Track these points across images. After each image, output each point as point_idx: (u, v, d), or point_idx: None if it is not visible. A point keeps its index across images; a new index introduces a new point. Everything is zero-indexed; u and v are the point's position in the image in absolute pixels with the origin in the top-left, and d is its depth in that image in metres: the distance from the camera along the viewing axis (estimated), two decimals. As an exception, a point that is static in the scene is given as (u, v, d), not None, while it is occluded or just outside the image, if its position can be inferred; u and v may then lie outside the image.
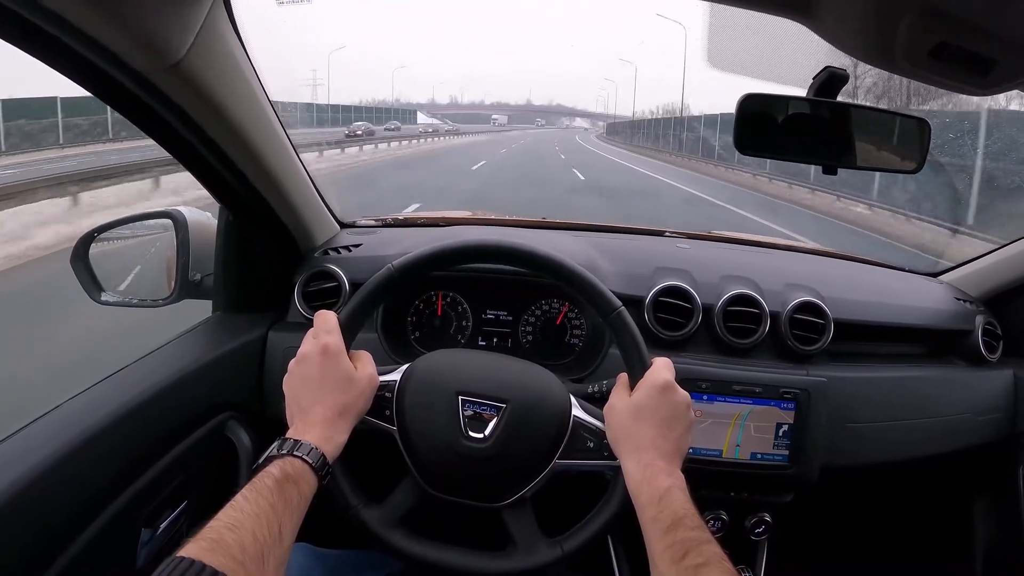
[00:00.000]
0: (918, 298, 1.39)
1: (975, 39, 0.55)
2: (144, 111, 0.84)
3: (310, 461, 0.74)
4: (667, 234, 1.54)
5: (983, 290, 1.43)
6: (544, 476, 0.88)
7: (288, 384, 0.84)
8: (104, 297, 1.21)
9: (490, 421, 0.87)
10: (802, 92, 0.84)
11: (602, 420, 0.87)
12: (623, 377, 0.88)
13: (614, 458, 0.84)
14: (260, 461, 0.74)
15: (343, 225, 1.41)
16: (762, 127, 0.88)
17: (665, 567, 0.68)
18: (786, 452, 1.12)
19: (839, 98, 0.84)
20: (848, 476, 1.27)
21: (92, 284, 1.21)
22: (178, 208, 1.22)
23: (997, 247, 1.46)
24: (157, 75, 0.77)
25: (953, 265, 1.54)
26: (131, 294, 1.25)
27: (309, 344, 0.84)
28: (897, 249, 8.88)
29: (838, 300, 1.24)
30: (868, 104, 1.06)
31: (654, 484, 0.76)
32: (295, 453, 0.74)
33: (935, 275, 1.54)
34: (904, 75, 0.67)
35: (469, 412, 0.87)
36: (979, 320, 1.34)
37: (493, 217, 1.63)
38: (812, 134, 0.89)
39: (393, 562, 0.96)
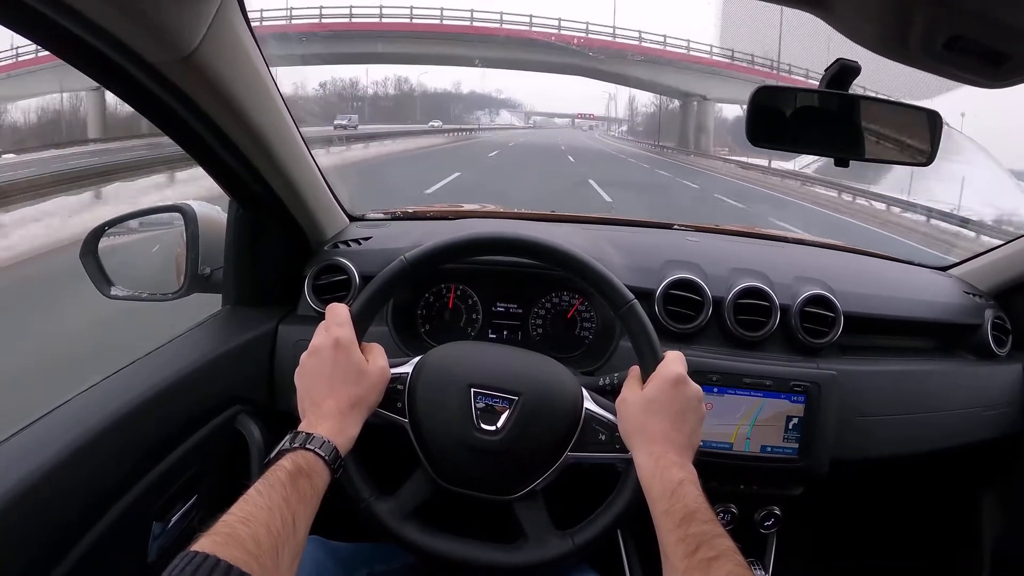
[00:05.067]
0: (927, 292, 1.39)
1: (990, 32, 0.55)
2: (155, 104, 0.84)
3: (322, 454, 0.74)
4: (676, 227, 1.54)
5: (992, 284, 1.42)
6: (556, 469, 0.88)
7: (299, 377, 0.84)
8: (114, 291, 1.21)
9: (502, 413, 0.87)
10: (814, 84, 0.85)
11: (614, 413, 0.87)
12: (635, 370, 0.88)
13: (626, 451, 0.84)
14: (272, 455, 0.74)
15: (352, 218, 1.41)
16: (775, 119, 0.89)
17: (677, 560, 0.68)
18: (796, 445, 1.12)
19: (851, 90, 0.84)
20: (857, 469, 1.27)
21: (102, 278, 1.20)
22: (187, 202, 1.22)
23: (1006, 241, 1.46)
24: (169, 67, 0.77)
25: (962, 259, 1.53)
26: (141, 287, 1.25)
27: (320, 337, 0.84)
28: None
29: (848, 293, 1.24)
30: (879, 96, 1.06)
31: (666, 477, 0.76)
32: (307, 446, 0.74)
33: (944, 269, 1.53)
34: (917, 67, 0.67)
35: (481, 404, 0.87)
36: (988, 314, 1.34)
37: (503, 210, 1.63)
38: (824, 126, 0.90)
39: (405, 555, 0.96)
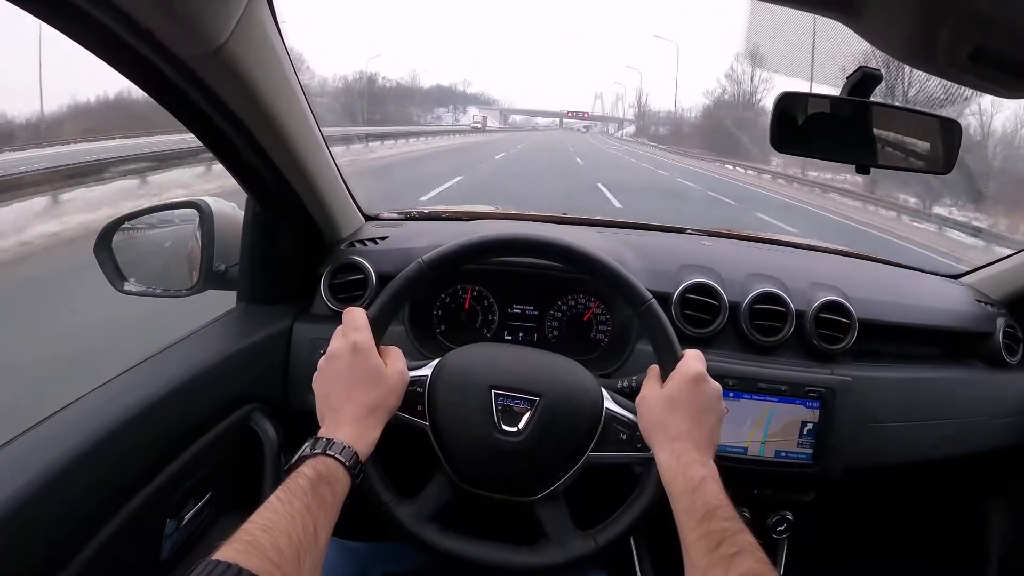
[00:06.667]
0: (940, 300, 1.39)
1: (1016, 43, 0.55)
2: (180, 98, 0.84)
3: (343, 460, 0.74)
4: (690, 231, 1.54)
5: (1004, 293, 1.43)
6: (577, 469, 0.87)
7: (318, 382, 0.84)
8: (127, 287, 1.20)
9: (523, 415, 0.87)
10: (836, 91, 0.85)
11: (634, 412, 0.87)
12: (654, 369, 0.88)
13: (647, 450, 0.84)
14: (293, 461, 0.74)
15: (368, 217, 1.41)
16: (797, 126, 0.89)
17: (699, 557, 0.69)
18: (810, 451, 1.12)
19: (872, 98, 0.84)
20: (870, 475, 1.27)
21: (115, 273, 1.20)
22: (203, 198, 1.22)
23: (1018, 250, 1.46)
24: (197, 60, 0.77)
25: (975, 267, 1.54)
26: (155, 283, 1.25)
27: (338, 341, 0.84)
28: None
29: (862, 300, 1.24)
30: (900, 104, 1.07)
31: (688, 475, 0.76)
32: (328, 452, 0.74)
33: (956, 277, 1.54)
34: (940, 76, 0.67)
35: (502, 406, 0.87)
36: (1000, 323, 1.34)
37: (517, 212, 1.63)
38: (845, 133, 0.90)
39: (420, 555, 0.97)
